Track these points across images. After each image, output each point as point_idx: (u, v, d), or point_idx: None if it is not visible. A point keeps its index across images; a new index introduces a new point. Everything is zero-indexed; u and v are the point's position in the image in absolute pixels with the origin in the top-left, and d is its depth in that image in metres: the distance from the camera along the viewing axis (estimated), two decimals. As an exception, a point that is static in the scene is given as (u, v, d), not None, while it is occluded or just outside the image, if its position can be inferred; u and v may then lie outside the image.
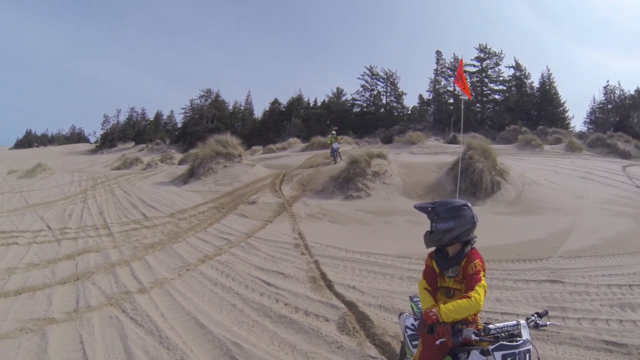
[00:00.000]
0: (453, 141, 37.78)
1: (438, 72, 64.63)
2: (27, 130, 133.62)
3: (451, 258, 2.97)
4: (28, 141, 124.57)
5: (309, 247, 8.66)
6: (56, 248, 8.99)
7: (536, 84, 60.01)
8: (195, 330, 5.11)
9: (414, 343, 3.19)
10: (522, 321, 2.75)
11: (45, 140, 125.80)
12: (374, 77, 69.97)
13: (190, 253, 8.67)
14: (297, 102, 75.34)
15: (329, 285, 6.32)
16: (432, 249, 3.13)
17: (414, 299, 3.68)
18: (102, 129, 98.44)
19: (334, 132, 24.33)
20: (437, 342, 2.61)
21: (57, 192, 19.60)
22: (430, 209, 3.01)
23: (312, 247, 8.67)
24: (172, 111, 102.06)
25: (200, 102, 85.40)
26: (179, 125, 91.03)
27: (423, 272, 3.17)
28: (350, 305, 5.55)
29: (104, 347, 4.69)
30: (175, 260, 8.15)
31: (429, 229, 3.04)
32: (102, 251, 8.73)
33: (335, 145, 22.40)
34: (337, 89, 76.89)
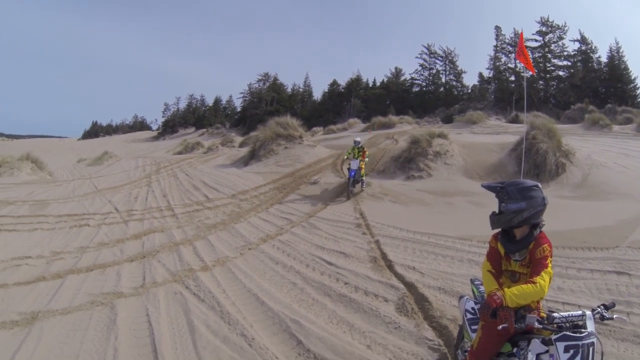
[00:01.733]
0: (515, 120, 36.16)
1: (498, 48, 61.45)
2: (93, 121, 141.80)
3: (519, 241, 2.80)
4: (94, 132, 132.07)
5: (370, 227, 8.52)
6: (124, 229, 9.40)
7: (604, 59, 54.84)
8: (256, 307, 5.18)
9: (473, 327, 3.07)
10: (588, 312, 2.56)
11: (110, 130, 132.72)
12: (432, 55, 67.57)
13: (252, 232, 8.80)
14: (355, 83, 74.36)
15: (389, 266, 6.20)
16: (497, 230, 2.98)
17: (475, 282, 3.54)
18: (163, 117, 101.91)
19: (358, 140, 13.71)
20: (499, 328, 2.45)
21: (123, 177, 20.51)
22: (499, 188, 2.85)
23: (373, 226, 8.53)
24: (230, 96, 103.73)
25: (259, 86, 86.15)
26: (238, 109, 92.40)
27: (487, 254, 3.01)
28: (410, 286, 5.41)
29: (168, 320, 4.85)
30: (237, 240, 8.30)
31: (495, 210, 2.89)
32: (166, 231, 9.06)
33: (354, 163, 12.40)
34: (396, 68, 74.45)
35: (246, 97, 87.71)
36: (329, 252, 7.09)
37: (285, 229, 8.83)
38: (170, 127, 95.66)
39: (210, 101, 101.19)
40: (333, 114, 67.72)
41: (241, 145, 35.87)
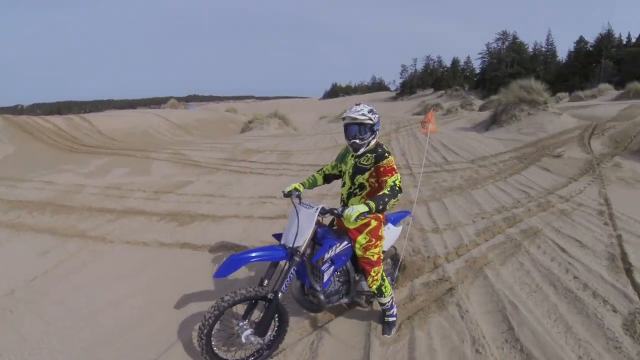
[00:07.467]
0: None
1: None
2: (333, 83, 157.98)
3: None
4: (334, 92, 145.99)
5: (613, 217, 7.53)
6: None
7: None
8: (478, 278, 5.35)
9: None
10: None
11: (349, 90, 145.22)
12: None
13: (488, 201, 8.87)
14: (606, 40, 65.01)
15: (628, 270, 5.47)
16: None
17: None
18: (400, 78, 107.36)
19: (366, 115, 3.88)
20: None
21: (363, 134, 22.24)
22: None
23: (617, 217, 7.51)
24: (468, 57, 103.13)
25: (497, 45, 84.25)
26: (477, 71, 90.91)
27: None
28: (647, 301, 4.65)
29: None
30: (472, 207, 8.51)
31: None
32: (403, 189, 9.67)
33: (307, 216, 3.82)
34: (658, 16, 62.65)
35: (485, 58, 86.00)
36: (564, 237, 6.67)
37: (521, 203, 8.64)
38: (408, 88, 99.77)
39: (448, 62, 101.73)
40: (580, 77, 60.29)
41: (481, 108, 35.36)
